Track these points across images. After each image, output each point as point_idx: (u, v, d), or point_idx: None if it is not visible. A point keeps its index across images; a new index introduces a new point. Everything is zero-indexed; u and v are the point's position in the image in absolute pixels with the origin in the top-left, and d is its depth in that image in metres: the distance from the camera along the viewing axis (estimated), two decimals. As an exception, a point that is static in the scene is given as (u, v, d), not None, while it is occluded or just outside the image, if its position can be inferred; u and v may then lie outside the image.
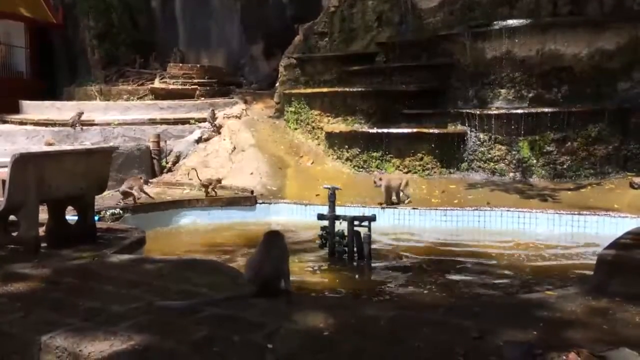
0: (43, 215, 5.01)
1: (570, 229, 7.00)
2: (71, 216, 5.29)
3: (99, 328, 2.85)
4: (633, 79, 8.59)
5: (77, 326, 2.90)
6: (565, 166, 8.49)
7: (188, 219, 8.17)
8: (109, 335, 2.76)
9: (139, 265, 4.30)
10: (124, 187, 7.90)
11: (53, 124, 11.83)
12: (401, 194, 7.93)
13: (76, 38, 17.14)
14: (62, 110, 12.59)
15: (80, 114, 11.45)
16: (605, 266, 3.97)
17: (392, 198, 7.87)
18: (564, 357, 2.38)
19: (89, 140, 10.84)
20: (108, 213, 7.17)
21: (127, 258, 4.63)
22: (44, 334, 2.81)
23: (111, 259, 4.50)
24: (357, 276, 5.77)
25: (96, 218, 5.98)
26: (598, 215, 6.93)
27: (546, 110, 8.49)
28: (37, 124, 12.09)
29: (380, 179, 7.85)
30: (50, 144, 9.93)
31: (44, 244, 4.90)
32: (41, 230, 4.96)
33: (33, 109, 13.45)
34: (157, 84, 14.28)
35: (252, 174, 9.27)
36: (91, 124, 11.72)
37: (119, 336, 2.74)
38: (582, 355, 2.38)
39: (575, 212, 7.07)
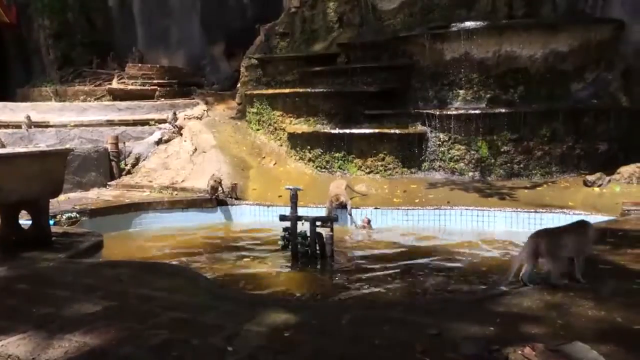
0: (-5, 220, 4.86)
1: (527, 227, 7.13)
2: (25, 220, 5.14)
3: (54, 335, 2.78)
4: (585, 80, 8.86)
5: (30, 333, 2.82)
6: (521, 165, 8.69)
7: (148, 222, 8.03)
8: (64, 342, 2.69)
9: (96, 270, 4.22)
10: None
11: (6, 125, 11.48)
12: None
13: (30, 38, 16.65)
14: (15, 111, 12.20)
15: (28, 117, 11.21)
16: (560, 262, 4.08)
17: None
18: (520, 352, 2.44)
19: (43, 142, 10.53)
20: (64, 217, 6.99)
21: (84, 263, 4.53)
22: (-5, 343, 2.72)
23: (67, 264, 4.39)
24: (319, 276, 5.77)
25: (51, 222, 5.82)
26: (554, 212, 7.10)
27: (503, 110, 8.66)
28: (-11, 125, 11.71)
29: (337, 199, 7.71)
30: None
31: (-4, 250, 4.75)
32: (-7, 236, 4.81)
33: (-15, 110, 13.00)
34: (115, 84, 13.99)
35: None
36: (46, 125, 11.42)
37: (74, 343, 2.67)
38: (537, 349, 2.44)
39: (532, 210, 7.24)
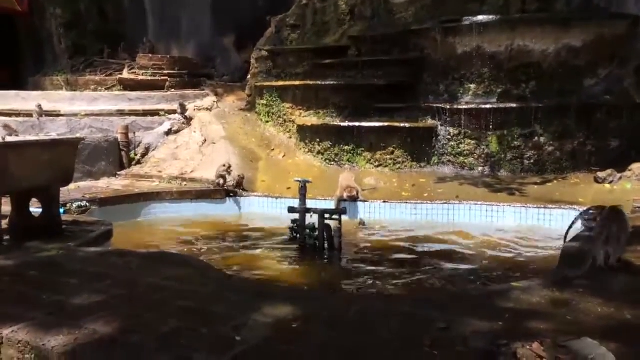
0: (6, 207, 4.89)
1: (536, 222, 7.12)
2: (35, 208, 5.18)
3: (64, 322, 2.80)
4: (598, 75, 8.78)
5: (40, 320, 2.84)
6: (532, 161, 8.64)
7: (157, 212, 8.06)
8: (73, 329, 2.71)
9: (106, 259, 4.24)
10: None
11: (18, 114, 11.55)
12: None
13: (42, 27, 16.70)
14: (27, 100, 12.25)
15: (39, 105, 11.27)
16: (569, 258, 4.07)
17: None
18: (529, 347, 2.43)
19: (54, 131, 10.59)
20: (74, 205, 7.03)
21: (94, 251, 4.56)
22: (6, 328, 2.75)
23: (77, 252, 4.42)
24: (327, 269, 5.78)
25: (62, 210, 5.86)
26: (563, 209, 7.05)
27: (514, 105, 8.61)
28: (0, 114, 11.77)
29: (349, 191, 7.75)
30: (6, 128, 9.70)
31: (7, 237, 4.79)
32: (4, 223, 4.85)
33: (-3, 99, 13.07)
34: (125, 74, 14.01)
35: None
36: (57, 114, 11.47)
37: (84, 330, 2.69)
38: (545, 345, 2.43)
39: (542, 206, 7.20)
